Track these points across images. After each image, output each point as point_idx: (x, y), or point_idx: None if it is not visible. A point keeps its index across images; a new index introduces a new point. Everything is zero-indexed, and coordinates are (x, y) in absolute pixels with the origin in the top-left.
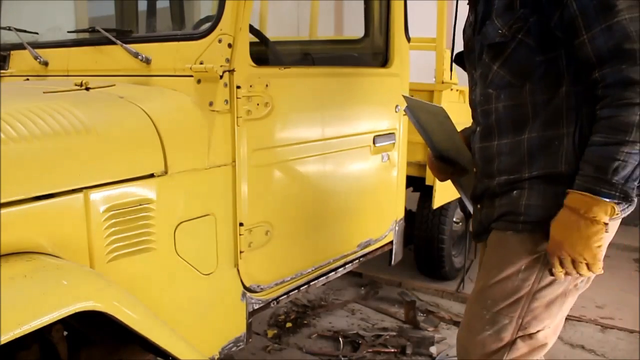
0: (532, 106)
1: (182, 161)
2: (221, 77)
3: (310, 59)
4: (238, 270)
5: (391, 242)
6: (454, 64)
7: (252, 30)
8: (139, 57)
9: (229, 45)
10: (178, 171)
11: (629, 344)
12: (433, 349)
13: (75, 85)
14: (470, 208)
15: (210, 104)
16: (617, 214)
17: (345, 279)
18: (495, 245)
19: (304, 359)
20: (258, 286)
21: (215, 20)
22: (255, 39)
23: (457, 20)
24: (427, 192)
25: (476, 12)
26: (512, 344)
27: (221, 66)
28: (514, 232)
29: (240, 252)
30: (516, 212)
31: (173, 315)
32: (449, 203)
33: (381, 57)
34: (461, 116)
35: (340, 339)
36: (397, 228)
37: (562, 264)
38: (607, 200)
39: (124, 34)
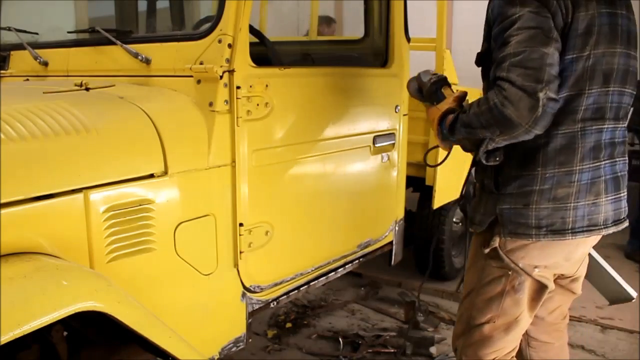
0: None
1: (182, 161)
2: (221, 77)
3: (310, 59)
4: (238, 271)
5: (391, 243)
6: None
7: (252, 30)
8: (139, 57)
9: (229, 46)
10: (178, 171)
11: (629, 344)
12: (433, 349)
13: (75, 85)
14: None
15: (210, 104)
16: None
17: (345, 279)
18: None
19: (304, 359)
20: (258, 286)
21: (215, 20)
22: (255, 39)
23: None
24: (427, 193)
25: None
26: (467, 331)
27: (221, 66)
28: (474, 234)
29: (240, 252)
30: (472, 216)
31: (173, 316)
32: (449, 203)
33: (381, 57)
34: None
35: (340, 339)
36: (397, 228)
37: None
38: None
39: (124, 34)
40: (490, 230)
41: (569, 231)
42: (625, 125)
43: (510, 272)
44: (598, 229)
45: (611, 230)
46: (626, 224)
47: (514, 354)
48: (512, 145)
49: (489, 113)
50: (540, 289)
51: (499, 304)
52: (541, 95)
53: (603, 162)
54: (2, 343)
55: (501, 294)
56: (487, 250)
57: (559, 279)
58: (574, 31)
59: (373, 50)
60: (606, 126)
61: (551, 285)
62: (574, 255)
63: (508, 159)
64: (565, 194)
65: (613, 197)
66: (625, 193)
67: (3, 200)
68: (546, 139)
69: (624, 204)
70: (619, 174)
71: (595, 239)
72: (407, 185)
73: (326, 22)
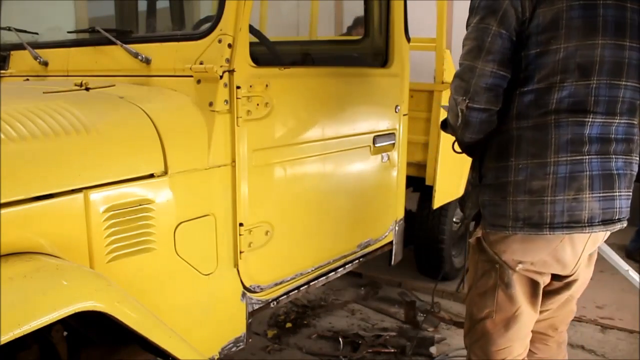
0: None
1: (182, 161)
2: (221, 77)
3: (310, 59)
4: (238, 271)
5: (391, 243)
6: None
7: (252, 30)
8: (139, 57)
9: (229, 46)
10: (178, 171)
11: (629, 344)
12: (433, 349)
13: (75, 85)
14: None
15: (210, 104)
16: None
17: (345, 279)
18: None
19: (304, 359)
20: (258, 286)
21: (215, 20)
22: (255, 39)
23: None
24: (427, 192)
25: None
26: (472, 327)
27: (221, 66)
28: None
29: (240, 252)
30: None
31: (173, 316)
32: (449, 203)
33: (381, 57)
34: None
35: (340, 339)
36: (397, 228)
37: None
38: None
39: (124, 34)
40: (477, 222)
41: (547, 226)
42: (634, 120)
43: (497, 266)
44: (580, 226)
45: (598, 230)
46: (620, 225)
47: (524, 355)
48: (490, 137)
49: (447, 115)
50: (533, 284)
51: (494, 298)
52: (460, 106)
53: (587, 157)
54: (2, 343)
55: (493, 288)
56: (471, 240)
57: (554, 280)
58: (534, 27)
59: (373, 50)
60: (589, 120)
61: (542, 281)
62: (561, 254)
63: (488, 151)
64: (541, 187)
65: (601, 194)
66: (625, 193)
67: (3, 200)
68: (518, 131)
69: (620, 204)
70: (615, 171)
71: (584, 238)
72: (407, 185)
73: (362, 24)
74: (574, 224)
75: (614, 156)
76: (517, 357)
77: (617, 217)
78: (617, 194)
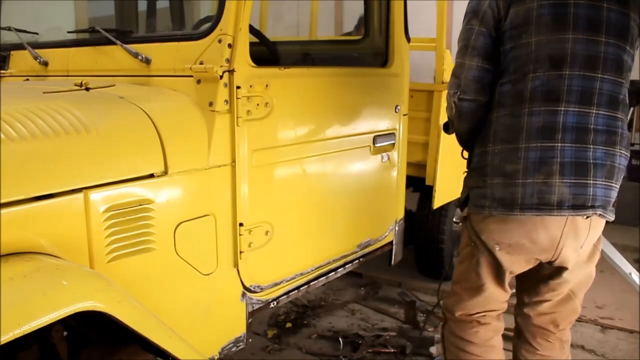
0: None
1: (182, 161)
2: (221, 77)
3: (310, 59)
4: (238, 271)
5: (391, 242)
6: None
7: (252, 30)
8: (139, 57)
9: (229, 46)
10: (178, 171)
11: (629, 344)
12: (433, 349)
13: (75, 85)
14: None
15: (210, 104)
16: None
17: (345, 279)
18: None
19: (304, 359)
20: (258, 286)
21: (215, 20)
22: (255, 39)
23: None
24: (427, 192)
25: None
26: (450, 290)
27: (221, 66)
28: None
29: (240, 252)
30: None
31: (173, 316)
32: (449, 203)
33: (381, 57)
34: None
35: (340, 339)
36: (397, 228)
37: None
38: None
39: (124, 34)
40: (466, 204)
41: (518, 207)
42: (617, 113)
43: (473, 244)
44: (549, 209)
45: (567, 213)
46: (593, 211)
47: (482, 314)
48: (479, 126)
49: (447, 113)
50: (498, 267)
51: (466, 269)
52: (453, 99)
53: (559, 145)
54: (2, 343)
55: (468, 260)
56: (458, 219)
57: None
58: (508, 24)
59: (373, 50)
60: (562, 108)
61: (511, 268)
62: (536, 237)
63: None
64: (513, 170)
65: (572, 181)
66: (603, 182)
67: (3, 200)
68: (497, 119)
69: (594, 192)
70: (592, 161)
71: (559, 223)
72: (407, 185)
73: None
74: (543, 206)
75: (592, 146)
76: (476, 312)
77: (589, 204)
78: (592, 182)
